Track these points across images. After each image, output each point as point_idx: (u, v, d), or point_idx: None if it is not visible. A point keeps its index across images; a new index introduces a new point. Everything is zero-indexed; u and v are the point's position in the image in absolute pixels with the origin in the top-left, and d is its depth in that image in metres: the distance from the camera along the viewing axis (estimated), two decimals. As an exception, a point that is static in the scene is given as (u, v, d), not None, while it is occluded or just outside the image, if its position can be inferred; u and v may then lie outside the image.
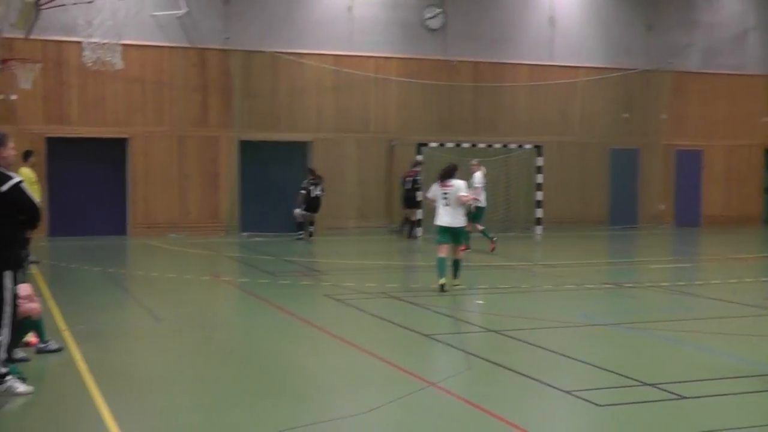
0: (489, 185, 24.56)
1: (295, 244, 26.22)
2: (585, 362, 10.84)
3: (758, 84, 34.66)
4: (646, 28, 33.09)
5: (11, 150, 9.38)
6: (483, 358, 10.97)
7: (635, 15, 32.98)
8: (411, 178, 27.94)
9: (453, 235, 16.68)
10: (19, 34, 23.56)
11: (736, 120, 34.41)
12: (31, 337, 10.96)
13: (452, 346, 11.83)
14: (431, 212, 17.62)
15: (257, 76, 28.58)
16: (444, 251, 16.61)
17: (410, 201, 28.01)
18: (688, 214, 33.96)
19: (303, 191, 27.54)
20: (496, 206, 29.92)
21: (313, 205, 27.58)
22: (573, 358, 11.05)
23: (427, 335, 12.40)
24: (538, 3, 31.75)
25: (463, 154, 28.17)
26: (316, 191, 27.63)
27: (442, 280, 16.50)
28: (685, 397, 9.33)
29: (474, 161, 23.91)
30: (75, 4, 21.99)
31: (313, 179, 27.70)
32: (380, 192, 29.94)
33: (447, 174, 16.85)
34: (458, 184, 16.77)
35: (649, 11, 33.14)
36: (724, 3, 34.28)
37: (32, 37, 23.68)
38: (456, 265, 16.94)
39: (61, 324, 12.77)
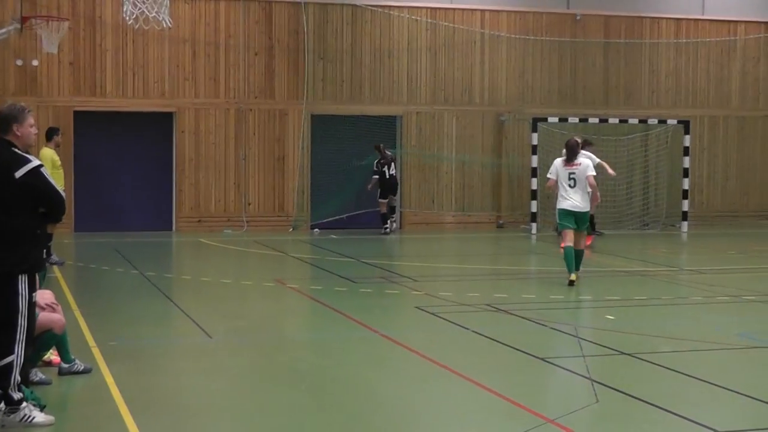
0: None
1: (378, 243, 26.21)
2: (744, 395, 10.60)
3: None
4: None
5: (30, 128, 9.41)
6: (613, 388, 10.80)
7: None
8: None
9: (578, 220, 17.84)
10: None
11: None
12: (52, 356, 11.06)
13: (574, 372, 11.67)
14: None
15: (335, 34, 28.60)
16: (570, 239, 17.67)
17: None
18: None
19: (376, 176, 27.64)
20: (631, 197, 29.65)
21: (389, 186, 27.64)
22: (729, 389, 10.82)
23: (542, 358, 12.27)
24: (686, -59, 31.37)
25: (589, 131, 27.94)
26: (390, 171, 27.66)
27: (573, 276, 17.58)
28: None
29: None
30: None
31: (382, 159, 27.68)
32: (485, 179, 29.76)
33: (573, 151, 18.02)
34: (586, 162, 18.02)
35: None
36: None
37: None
38: (577, 256, 17.88)
39: (90, 340, 12.85)
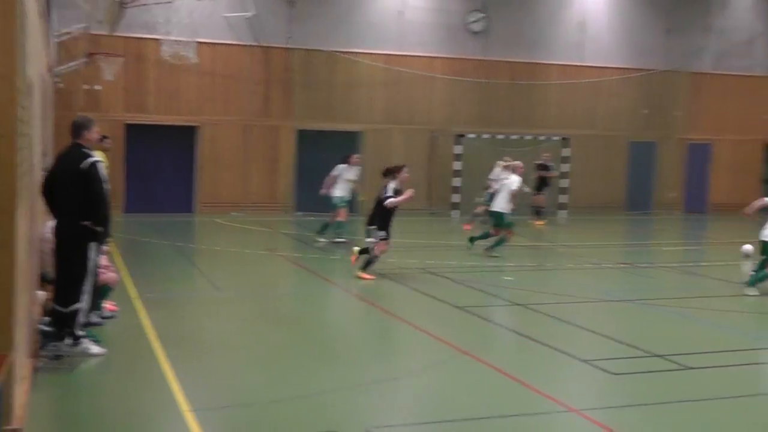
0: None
1: (346, 224, 26.15)
2: (602, 334, 10.78)
3: (765, 85, 33.96)
4: (665, 32, 32.57)
5: (95, 134, 9.44)
6: (510, 329, 10.96)
7: (656, 20, 32.44)
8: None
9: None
10: (104, 31, 23.63)
11: (743, 117, 33.68)
12: (108, 304, 11.01)
13: (483, 318, 11.79)
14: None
15: (316, 72, 28.48)
16: None
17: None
18: (696, 202, 33.57)
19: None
20: (535, 194, 29.80)
21: None
22: (591, 331, 10.99)
23: (460, 308, 12.36)
24: (570, 8, 31.31)
25: (498, 144, 28.13)
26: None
27: None
28: (691, 368, 9.26)
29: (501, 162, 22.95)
30: (156, 3, 22.04)
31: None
32: (422, 177, 29.70)
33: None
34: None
35: (669, 16, 32.56)
36: (735, 10, 33.63)
37: (116, 33, 23.76)
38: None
39: (132, 292, 12.86)
